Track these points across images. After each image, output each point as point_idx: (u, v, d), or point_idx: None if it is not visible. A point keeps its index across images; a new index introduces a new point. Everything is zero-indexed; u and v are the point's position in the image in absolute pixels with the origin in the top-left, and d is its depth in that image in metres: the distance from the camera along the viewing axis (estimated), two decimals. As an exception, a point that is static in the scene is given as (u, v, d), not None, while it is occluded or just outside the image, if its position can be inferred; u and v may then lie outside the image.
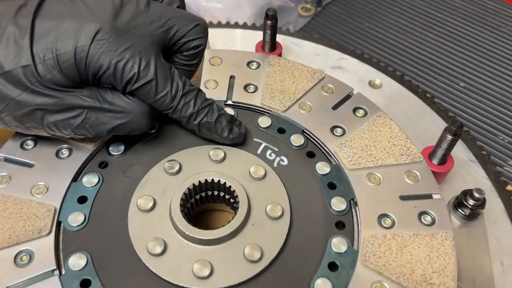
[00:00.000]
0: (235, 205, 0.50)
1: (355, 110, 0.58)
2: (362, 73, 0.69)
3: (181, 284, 0.43)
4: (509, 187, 0.58)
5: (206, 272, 0.43)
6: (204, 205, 0.55)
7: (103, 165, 0.52)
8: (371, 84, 0.68)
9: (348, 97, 0.60)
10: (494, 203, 0.56)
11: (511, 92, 0.75)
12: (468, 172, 0.58)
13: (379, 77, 0.69)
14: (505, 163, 0.66)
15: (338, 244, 0.47)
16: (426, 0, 0.89)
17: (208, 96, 0.52)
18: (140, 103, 0.47)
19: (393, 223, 0.48)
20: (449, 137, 0.51)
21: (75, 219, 0.47)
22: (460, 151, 0.61)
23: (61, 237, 0.47)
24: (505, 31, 0.85)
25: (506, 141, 0.69)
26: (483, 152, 0.61)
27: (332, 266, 0.45)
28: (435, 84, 0.77)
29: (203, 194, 0.52)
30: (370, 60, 0.72)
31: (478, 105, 0.74)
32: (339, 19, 0.87)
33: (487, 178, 0.58)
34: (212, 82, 0.61)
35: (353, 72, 0.70)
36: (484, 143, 0.67)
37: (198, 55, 0.52)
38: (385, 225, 0.48)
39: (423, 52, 0.82)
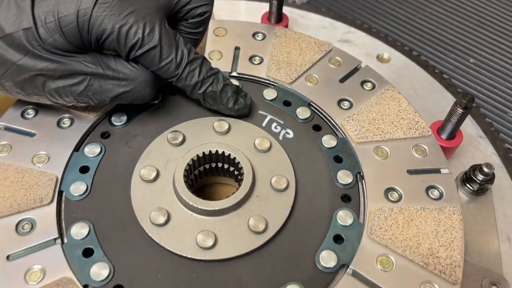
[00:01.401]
0: (239, 177, 0.49)
1: (363, 83, 0.57)
2: (370, 47, 0.68)
3: (184, 255, 0.43)
4: (518, 164, 0.57)
5: (210, 242, 0.43)
6: (208, 178, 0.54)
7: (105, 135, 0.51)
8: (379, 58, 0.67)
9: (355, 70, 0.58)
10: (502, 180, 0.55)
11: (522, 68, 0.73)
12: (477, 148, 0.57)
13: (387, 51, 0.67)
14: (513, 140, 0.65)
15: (344, 217, 0.46)
16: (436, -26, 0.86)
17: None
18: (144, 71, 0.46)
19: (400, 197, 0.47)
20: (460, 110, 0.50)
21: (77, 188, 0.47)
22: (470, 127, 0.59)
23: (62, 206, 0.46)
24: (518, 7, 0.82)
25: (516, 118, 0.67)
26: (492, 128, 0.60)
27: (338, 239, 0.45)
28: (444, 60, 0.75)
29: (207, 166, 0.51)
30: (378, 34, 0.70)
31: (487, 81, 0.72)
32: (347, -7, 0.85)
33: (496, 154, 0.57)
34: (216, 53, 0.59)
35: (360, 46, 0.68)
36: (494, 121, 0.66)
37: (203, 23, 0.51)
38: (392, 199, 0.47)
39: (432, 28, 0.80)
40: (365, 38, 0.69)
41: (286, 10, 0.68)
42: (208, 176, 0.54)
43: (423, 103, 0.60)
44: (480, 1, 0.84)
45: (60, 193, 0.47)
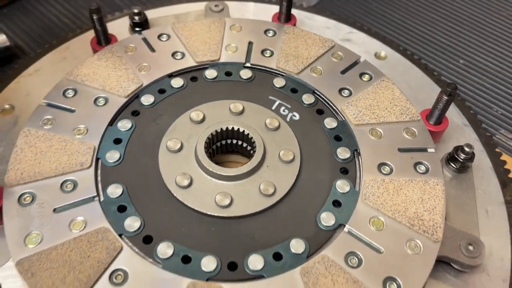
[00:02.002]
0: (251, 152, 0.56)
1: (361, 75, 0.64)
2: (369, 46, 0.75)
3: (204, 211, 0.50)
4: (497, 150, 0.64)
5: (226, 201, 0.50)
6: (223, 156, 0.62)
7: (135, 113, 0.59)
8: (377, 55, 0.74)
9: (355, 63, 0.66)
10: (483, 162, 0.62)
11: (506, 69, 0.81)
12: (462, 134, 0.64)
13: (385, 50, 0.75)
14: (497, 131, 0.72)
15: (342, 185, 0.53)
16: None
17: (228, 58, 0.60)
18: None
19: (391, 170, 0.54)
20: (445, 97, 0.57)
21: (112, 156, 0.54)
22: (456, 116, 0.66)
23: (99, 171, 0.53)
24: (505, 15, 0.90)
25: (500, 112, 0.75)
26: (476, 118, 0.67)
27: (336, 203, 0.52)
28: (437, 61, 0.83)
29: (223, 142, 0.58)
30: (377, 35, 0.77)
31: (475, 80, 0.79)
32: (349, -1, 0.93)
33: (479, 140, 0.64)
34: (232, 47, 0.67)
35: (360, 45, 0.75)
36: (479, 114, 0.73)
37: None
38: (384, 172, 0.54)
39: (426, 31, 0.88)
40: (365, 38, 0.77)
41: (294, 11, 0.75)
42: (224, 153, 0.61)
43: (414, 95, 0.67)
44: (470, 9, 0.92)
45: (97, 160, 0.54)
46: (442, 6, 0.93)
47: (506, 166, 0.61)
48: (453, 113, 0.66)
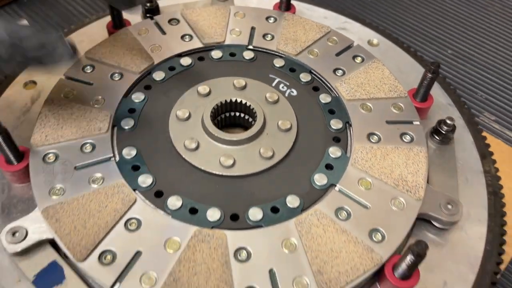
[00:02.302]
0: (253, 123, 0.62)
1: (354, 57, 0.70)
2: (363, 34, 0.81)
3: (210, 171, 0.55)
4: (478, 127, 0.69)
5: (230, 162, 0.56)
6: (227, 130, 0.67)
7: (148, 87, 0.65)
8: (370, 43, 0.80)
9: (349, 47, 0.72)
10: (465, 137, 0.67)
11: (490, 58, 0.87)
12: (446, 112, 0.70)
13: (377, 38, 0.80)
14: (481, 114, 0.78)
15: (334, 151, 0.59)
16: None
17: (232, 41, 0.66)
18: None
19: (379, 139, 0.60)
20: (429, 75, 0.63)
21: (127, 123, 0.60)
22: (441, 97, 0.72)
23: (115, 135, 0.59)
24: (492, 10, 0.96)
25: (484, 97, 0.80)
26: (460, 100, 0.72)
27: (328, 167, 0.57)
28: (427, 51, 0.89)
29: (227, 114, 0.64)
30: (371, 25, 0.83)
31: (462, 68, 0.85)
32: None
33: (461, 118, 0.69)
34: (236, 31, 0.73)
35: (355, 33, 0.81)
36: (465, 98, 0.79)
37: None
38: (373, 141, 0.60)
39: (418, 25, 0.94)
40: (359, 27, 0.83)
41: (294, 2, 0.81)
42: (228, 127, 0.66)
43: (403, 77, 0.72)
44: (460, 4, 0.98)
45: (113, 126, 0.60)
46: (434, 1, 0.99)
47: (486, 142, 0.67)
48: (439, 94, 0.72)
